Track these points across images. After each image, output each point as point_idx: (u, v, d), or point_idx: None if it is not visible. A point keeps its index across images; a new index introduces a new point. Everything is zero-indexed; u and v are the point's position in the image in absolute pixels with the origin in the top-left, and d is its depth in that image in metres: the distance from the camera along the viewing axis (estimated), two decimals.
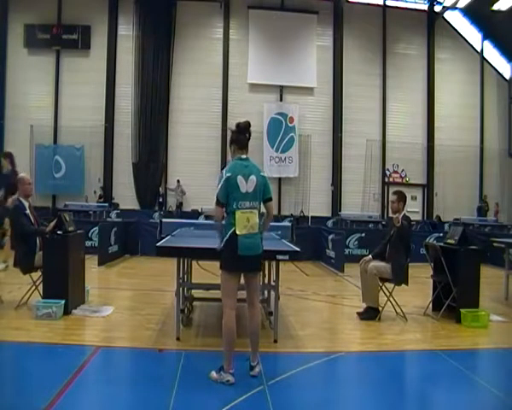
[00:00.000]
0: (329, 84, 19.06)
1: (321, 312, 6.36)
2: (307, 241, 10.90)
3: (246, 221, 3.54)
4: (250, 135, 3.78)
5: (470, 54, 20.01)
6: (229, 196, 3.57)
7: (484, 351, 4.86)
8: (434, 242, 8.29)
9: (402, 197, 5.77)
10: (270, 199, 3.79)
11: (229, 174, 3.58)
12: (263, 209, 3.80)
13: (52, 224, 5.55)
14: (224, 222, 3.65)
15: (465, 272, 5.68)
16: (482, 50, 20.16)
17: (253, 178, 3.63)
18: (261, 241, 3.71)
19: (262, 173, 3.76)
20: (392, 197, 5.86)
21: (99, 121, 18.01)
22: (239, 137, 3.73)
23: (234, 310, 3.61)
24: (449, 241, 6.04)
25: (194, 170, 18.05)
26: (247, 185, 3.59)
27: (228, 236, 3.56)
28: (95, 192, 17.98)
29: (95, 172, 18.23)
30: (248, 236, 3.56)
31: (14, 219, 5.57)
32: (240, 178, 3.58)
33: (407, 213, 5.70)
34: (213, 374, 3.58)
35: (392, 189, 8.57)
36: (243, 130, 3.73)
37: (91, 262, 8.65)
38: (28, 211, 5.63)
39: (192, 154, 18.12)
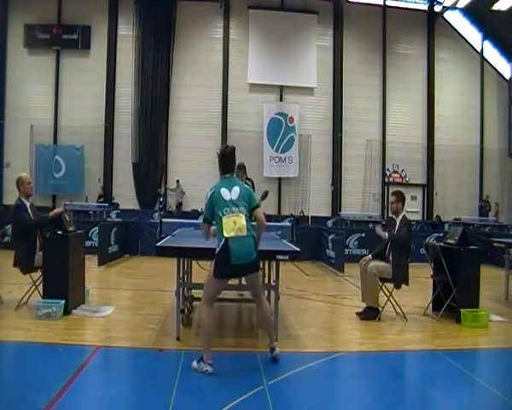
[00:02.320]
0: (329, 84, 19.04)
1: (321, 312, 6.36)
2: (307, 241, 10.90)
3: (233, 224, 3.70)
4: (235, 162, 4.05)
5: (470, 54, 19.99)
6: (214, 209, 3.78)
7: (484, 351, 4.86)
8: (434, 242, 8.29)
9: (400, 198, 5.79)
10: (257, 206, 3.92)
11: (213, 190, 3.85)
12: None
13: (55, 211, 5.57)
14: (216, 235, 3.83)
15: (465, 272, 5.68)
16: (482, 50, 20.14)
17: (236, 188, 3.86)
18: (254, 245, 3.77)
19: (246, 186, 3.99)
20: (391, 198, 5.89)
21: (99, 121, 17.99)
22: (224, 162, 3.96)
23: (212, 308, 3.88)
24: (449, 241, 6.04)
25: (194, 170, 18.02)
26: (230, 194, 3.81)
27: (220, 246, 3.70)
28: (99, 191, 17.97)
29: (95, 172, 18.21)
30: (239, 241, 3.66)
31: (14, 217, 5.55)
32: (223, 190, 3.82)
33: (407, 214, 5.71)
34: (194, 364, 3.76)
35: (392, 189, 8.57)
36: (228, 156, 3.96)
37: (91, 262, 8.65)
38: (30, 211, 5.62)
39: (192, 154, 18.09)
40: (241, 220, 3.72)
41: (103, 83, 18.07)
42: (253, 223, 3.94)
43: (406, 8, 19.70)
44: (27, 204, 5.65)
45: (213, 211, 3.78)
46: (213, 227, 3.90)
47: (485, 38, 20.11)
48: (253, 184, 6.83)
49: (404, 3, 19.70)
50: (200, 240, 5.23)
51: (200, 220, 5.07)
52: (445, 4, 19.30)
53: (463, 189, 19.37)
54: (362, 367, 4.32)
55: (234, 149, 4.01)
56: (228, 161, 3.96)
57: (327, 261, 10.68)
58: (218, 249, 3.71)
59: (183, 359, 4.00)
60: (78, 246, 5.83)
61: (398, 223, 5.70)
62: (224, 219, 3.69)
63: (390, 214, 6.13)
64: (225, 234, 3.66)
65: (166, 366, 3.97)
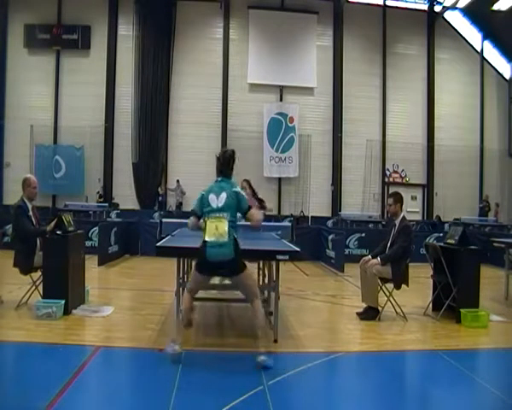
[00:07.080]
0: (329, 84, 19.05)
1: (321, 312, 6.36)
2: (307, 241, 10.90)
3: (214, 229, 3.87)
4: (234, 161, 4.09)
5: (470, 54, 20.01)
6: (203, 211, 3.99)
7: (484, 351, 4.86)
8: (434, 242, 8.29)
9: (398, 199, 5.77)
10: (249, 209, 4.04)
11: (203, 193, 4.06)
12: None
13: (52, 224, 5.54)
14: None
15: (465, 272, 5.67)
16: (482, 50, 20.15)
17: (223, 194, 3.95)
18: (233, 248, 3.87)
19: (235, 189, 3.99)
20: (388, 201, 5.85)
21: (99, 121, 18.00)
22: (222, 165, 4.08)
23: (191, 294, 4.11)
24: (449, 241, 6.04)
25: (194, 170, 17.99)
26: (217, 200, 3.94)
27: (200, 244, 3.94)
28: (98, 193, 18.00)
29: (95, 172, 18.22)
30: (216, 245, 3.83)
31: (15, 219, 5.55)
32: (211, 196, 3.97)
33: (406, 214, 5.70)
34: (166, 348, 4.01)
35: (392, 189, 8.58)
36: (225, 159, 4.06)
37: (91, 262, 8.64)
38: (31, 213, 5.61)
39: (192, 154, 18.10)
40: (223, 226, 3.86)
41: (103, 83, 18.08)
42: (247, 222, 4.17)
43: (406, 8, 19.72)
44: (29, 206, 5.63)
45: (202, 209, 4.00)
46: (201, 221, 4.09)
47: (485, 38, 20.12)
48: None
49: (404, 3, 19.71)
50: (200, 240, 5.23)
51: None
52: (445, 4, 19.31)
53: (463, 189, 19.37)
54: (362, 367, 4.31)
55: (233, 152, 4.11)
56: (223, 165, 4.05)
57: (327, 261, 10.68)
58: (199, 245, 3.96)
59: (183, 359, 4.00)
60: (78, 246, 5.82)
61: (397, 224, 5.69)
62: (208, 223, 3.90)
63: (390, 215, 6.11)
64: (206, 237, 3.87)
65: (166, 365, 3.98)
